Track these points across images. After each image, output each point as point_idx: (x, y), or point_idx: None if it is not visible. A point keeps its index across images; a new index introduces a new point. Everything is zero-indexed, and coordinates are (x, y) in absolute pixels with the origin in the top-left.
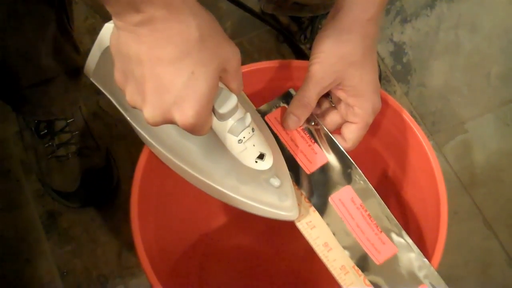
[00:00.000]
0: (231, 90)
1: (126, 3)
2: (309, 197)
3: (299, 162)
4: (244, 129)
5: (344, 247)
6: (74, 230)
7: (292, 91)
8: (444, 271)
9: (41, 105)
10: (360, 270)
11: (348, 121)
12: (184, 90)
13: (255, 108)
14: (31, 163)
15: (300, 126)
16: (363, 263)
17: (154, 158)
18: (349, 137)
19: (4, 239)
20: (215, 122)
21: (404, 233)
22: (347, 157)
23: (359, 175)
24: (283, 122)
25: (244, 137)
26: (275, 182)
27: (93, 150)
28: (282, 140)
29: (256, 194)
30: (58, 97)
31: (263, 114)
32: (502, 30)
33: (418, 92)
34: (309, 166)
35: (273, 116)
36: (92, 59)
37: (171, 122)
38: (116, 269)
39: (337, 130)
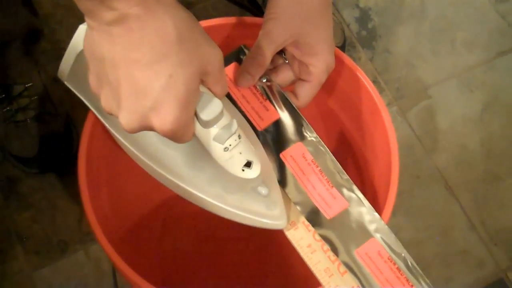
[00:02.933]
0: (214, 93)
1: (98, 0)
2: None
3: (250, 118)
4: (230, 136)
5: (295, 203)
6: (33, 196)
7: (244, 48)
8: (406, 234)
9: None
10: (310, 225)
11: (301, 79)
12: (162, 94)
13: (237, 110)
14: None
15: None
16: (313, 217)
17: (100, 125)
18: (302, 94)
19: None
20: (199, 128)
21: (355, 187)
22: (299, 114)
23: (310, 131)
24: (236, 80)
25: (230, 145)
26: (263, 190)
27: (53, 115)
28: (233, 97)
29: (243, 203)
30: (15, 61)
31: None
32: None
33: (383, 58)
34: (260, 123)
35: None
36: (66, 63)
37: (149, 128)
38: (77, 235)
39: (289, 87)
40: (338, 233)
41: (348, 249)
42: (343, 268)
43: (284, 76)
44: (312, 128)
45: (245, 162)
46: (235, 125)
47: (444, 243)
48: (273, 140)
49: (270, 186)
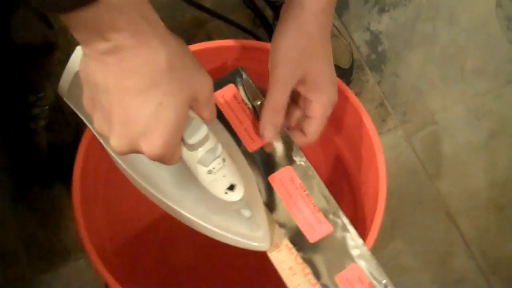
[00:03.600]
0: (202, 119)
1: (93, 31)
2: None
3: (241, 139)
4: (214, 160)
5: (280, 225)
6: (40, 204)
7: (241, 70)
8: (404, 260)
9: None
10: (293, 248)
11: (307, 116)
12: (152, 120)
13: (230, 136)
14: (3, 131)
15: (246, 104)
16: (297, 240)
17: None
18: (309, 131)
19: None
20: (185, 151)
21: (341, 213)
22: (289, 138)
23: (300, 156)
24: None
25: (214, 168)
26: (246, 213)
27: (63, 125)
28: (226, 117)
29: (227, 224)
30: (30, 72)
31: None
32: (480, 24)
33: (391, 82)
34: (251, 144)
35: (221, 94)
36: (65, 80)
37: (138, 152)
38: (79, 243)
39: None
40: (321, 257)
41: (329, 274)
42: None
43: (293, 115)
44: (302, 153)
45: (228, 185)
46: (219, 149)
47: (442, 271)
48: (263, 163)
49: (253, 208)
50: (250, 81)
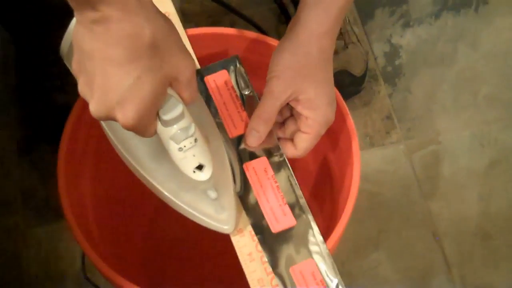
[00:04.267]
0: (182, 98)
1: (84, 0)
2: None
3: (224, 124)
4: (186, 139)
5: (246, 211)
6: (45, 162)
7: (237, 58)
8: (384, 271)
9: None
10: (255, 236)
11: (300, 130)
12: (128, 92)
13: (213, 119)
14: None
15: (235, 92)
16: (259, 228)
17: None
18: (300, 145)
19: None
20: (160, 127)
21: (307, 210)
22: (272, 132)
23: (277, 149)
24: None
25: (185, 146)
26: (212, 194)
27: (77, 89)
28: (214, 100)
29: (194, 202)
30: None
31: (203, 75)
32: (501, 51)
33: (402, 96)
34: (233, 130)
35: (212, 78)
36: (65, 43)
37: (114, 120)
38: None
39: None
40: (279, 248)
41: (285, 265)
42: (275, 282)
43: (289, 128)
44: (280, 147)
45: (197, 164)
46: (192, 129)
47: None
48: (241, 150)
49: (221, 191)
50: (243, 70)
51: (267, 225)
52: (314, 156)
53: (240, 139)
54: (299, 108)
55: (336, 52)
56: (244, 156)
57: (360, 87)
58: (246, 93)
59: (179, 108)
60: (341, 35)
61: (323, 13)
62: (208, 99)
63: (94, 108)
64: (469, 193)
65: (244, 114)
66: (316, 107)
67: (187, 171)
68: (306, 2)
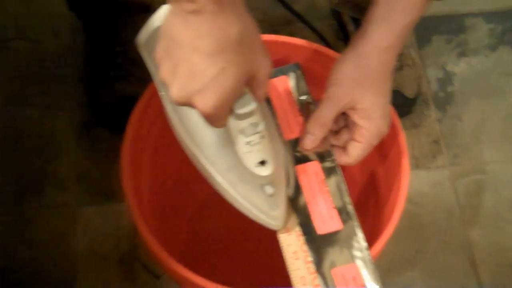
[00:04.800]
0: (255, 96)
1: None
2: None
3: (281, 126)
4: (254, 133)
5: (295, 211)
6: (101, 146)
7: (297, 66)
8: None
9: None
10: (302, 236)
11: (354, 139)
12: (211, 81)
13: (273, 119)
14: (86, 72)
15: (293, 97)
16: (306, 228)
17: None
18: (352, 153)
19: (36, 136)
20: (231, 119)
21: (354, 216)
22: (325, 137)
23: (330, 155)
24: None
25: (252, 141)
26: (269, 190)
27: (138, 80)
28: (273, 102)
29: (250, 195)
30: (123, 27)
31: None
32: None
33: (451, 123)
34: (288, 134)
35: (273, 82)
36: (145, 33)
37: (192, 106)
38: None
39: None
40: (324, 249)
41: (328, 266)
42: (317, 281)
43: (342, 137)
44: (332, 153)
45: (260, 159)
46: (261, 126)
47: None
48: (295, 152)
49: (277, 188)
50: (302, 77)
51: (314, 227)
52: (362, 168)
53: (295, 142)
54: (354, 117)
55: None
56: (297, 158)
57: (411, 109)
58: (304, 98)
59: (253, 104)
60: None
61: (388, 29)
62: (267, 102)
63: (176, 93)
64: (510, 225)
65: (301, 119)
66: (371, 118)
67: (250, 164)
68: (373, 17)
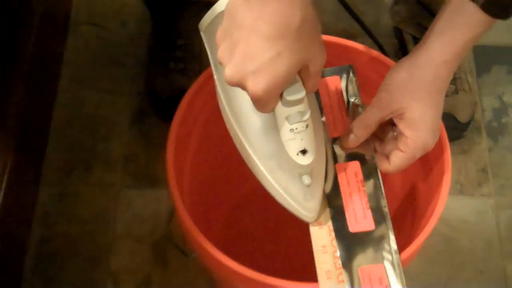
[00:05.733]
0: (305, 86)
1: None
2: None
3: (327, 123)
4: (299, 122)
5: (330, 207)
6: (152, 133)
7: (351, 68)
8: None
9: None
10: (333, 231)
11: (398, 148)
12: (266, 64)
13: (319, 113)
14: (147, 62)
15: (342, 97)
16: (339, 225)
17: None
18: (394, 162)
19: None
20: (279, 105)
21: (388, 219)
22: (369, 142)
23: (372, 159)
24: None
25: (296, 128)
26: (307, 180)
27: (196, 74)
28: (322, 103)
29: (287, 184)
30: (185, 21)
31: None
32: None
33: (501, 154)
34: (333, 131)
35: (325, 81)
36: (208, 18)
37: (243, 87)
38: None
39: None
40: (353, 247)
41: (355, 263)
42: (342, 277)
43: (389, 147)
44: (374, 156)
45: (302, 148)
46: (307, 115)
47: None
48: (337, 150)
49: (314, 180)
50: (354, 79)
51: (347, 224)
52: (404, 180)
53: (337, 141)
54: (401, 126)
55: (446, 95)
56: (339, 157)
57: (462, 134)
58: (353, 100)
59: (302, 93)
60: (454, 80)
61: (446, 43)
62: (316, 98)
63: (230, 72)
64: None
65: (347, 119)
66: (418, 129)
67: (291, 152)
68: (433, 30)
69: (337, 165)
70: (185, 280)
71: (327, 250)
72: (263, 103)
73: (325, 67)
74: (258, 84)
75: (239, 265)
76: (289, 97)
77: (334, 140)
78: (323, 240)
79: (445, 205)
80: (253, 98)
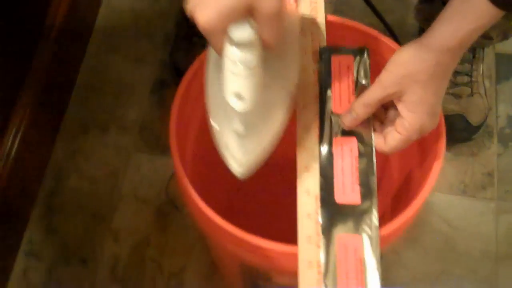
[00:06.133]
0: (262, 37)
1: None
2: (321, 131)
3: (332, 100)
4: (243, 66)
5: (321, 175)
6: (170, 102)
7: (366, 50)
8: None
9: None
10: (319, 201)
11: (395, 129)
12: None
13: (296, 83)
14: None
15: (353, 77)
16: (326, 194)
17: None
18: (390, 142)
19: (116, 82)
20: (227, 45)
21: (375, 196)
22: (370, 125)
23: (369, 138)
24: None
25: (237, 71)
26: (239, 129)
27: None
28: (332, 78)
29: (224, 132)
30: None
31: (331, 52)
32: None
33: (510, 160)
34: (337, 107)
35: (338, 59)
36: None
37: (194, 18)
38: None
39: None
40: (336, 217)
41: (333, 231)
42: (320, 244)
43: (388, 129)
44: (373, 137)
45: (236, 91)
46: (254, 60)
47: None
48: (336, 125)
49: (251, 133)
50: (368, 62)
51: (334, 194)
52: (400, 166)
53: (338, 116)
54: (400, 107)
55: (459, 97)
56: (338, 131)
57: (471, 137)
58: (363, 82)
59: (247, 34)
60: (470, 83)
61: (452, 30)
62: (327, 74)
63: (188, 6)
64: None
65: (353, 98)
66: (416, 112)
67: (227, 93)
68: (441, 17)
69: (334, 139)
70: (182, 245)
71: (311, 217)
72: (209, 35)
73: (341, 46)
74: (203, 14)
75: (221, 218)
76: (232, 34)
77: (337, 116)
78: (308, 207)
79: (446, 203)
80: (199, 27)
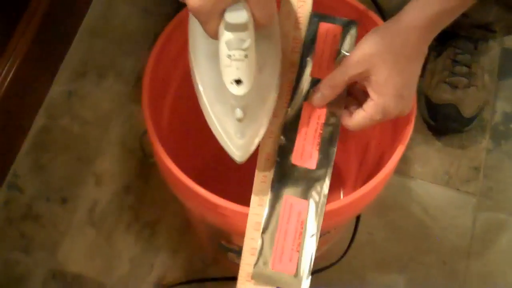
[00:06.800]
0: (253, 17)
1: None
2: (293, 94)
3: (312, 64)
4: (238, 49)
5: (284, 135)
6: None
7: (356, 25)
8: None
9: None
10: (277, 159)
11: (361, 107)
12: None
13: (280, 60)
14: None
15: (338, 47)
16: (283, 152)
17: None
18: (355, 118)
19: (122, 30)
20: (221, 29)
21: (330, 166)
22: (343, 97)
23: (339, 111)
24: (310, 96)
25: (234, 55)
26: (238, 113)
27: None
28: (316, 44)
29: (221, 116)
30: None
31: (321, 19)
32: None
33: (499, 158)
34: (315, 72)
35: (326, 26)
36: None
37: (187, 2)
38: None
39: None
40: (288, 176)
41: (283, 190)
42: (268, 198)
43: (356, 107)
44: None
45: (236, 77)
46: (247, 44)
47: None
48: (309, 90)
49: (249, 116)
50: (355, 36)
51: (291, 155)
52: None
53: (316, 81)
54: (367, 88)
55: (456, 87)
56: (310, 96)
57: (462, 129)
58: (346, 54)
59: (243, 17)
60: (469, 74)
61: (419, 9)
62: (312, 40)
63: None
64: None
65: (332, 66)
66: (381, 93)
67: (226, 79)
68: None
69: (305, 103)
70: (161, 198)
71: (266, 179)
72: (201, 17)
73: (333, 15)
74: None
75: (184, 174)
76: (228, 18)
77: (313, 80)
78: (265, 172)
79: (427, 191)
80: (192, 12)
